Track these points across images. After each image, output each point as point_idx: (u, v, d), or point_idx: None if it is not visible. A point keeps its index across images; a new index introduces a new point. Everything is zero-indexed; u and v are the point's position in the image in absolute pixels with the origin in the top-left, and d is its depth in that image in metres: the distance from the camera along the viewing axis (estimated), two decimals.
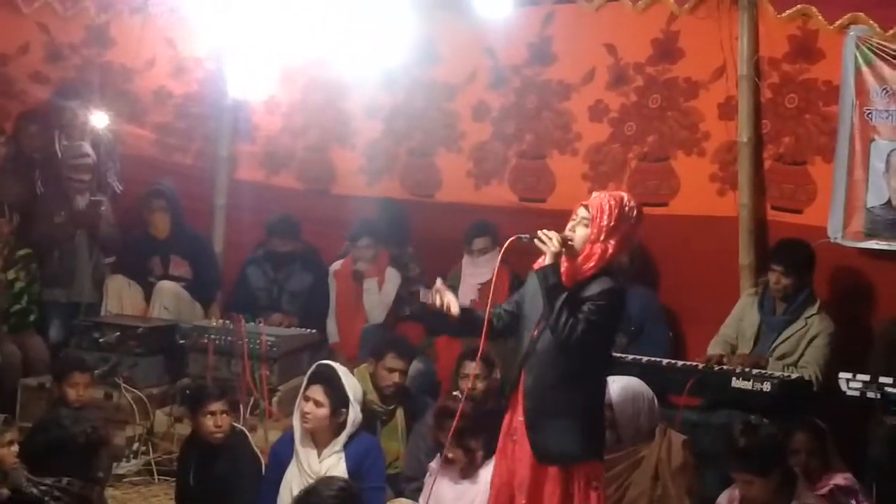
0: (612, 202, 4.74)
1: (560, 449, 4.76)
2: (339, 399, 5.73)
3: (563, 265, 4.73)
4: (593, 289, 4.72)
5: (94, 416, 5.79)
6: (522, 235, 4.79)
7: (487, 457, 5.51)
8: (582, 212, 4.79)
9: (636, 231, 4.88)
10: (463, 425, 5.36)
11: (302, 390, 5.77)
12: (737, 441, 4.95)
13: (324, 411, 5.68)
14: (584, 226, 4.76)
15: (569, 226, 4.81)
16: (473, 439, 5.68)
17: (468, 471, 5.74)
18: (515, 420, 4.88)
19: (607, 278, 4.75)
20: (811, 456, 5.51)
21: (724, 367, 6.39)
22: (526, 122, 7.87)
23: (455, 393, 6.14)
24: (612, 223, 4.71)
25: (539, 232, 4.73)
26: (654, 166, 7.45)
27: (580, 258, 4.74)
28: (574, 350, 4.67)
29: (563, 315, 4.63)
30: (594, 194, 4.87)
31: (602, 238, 4.72)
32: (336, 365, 5.93)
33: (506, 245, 4.85)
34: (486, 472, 5.38)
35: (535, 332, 4.82)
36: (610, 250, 4.72)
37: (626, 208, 4.76)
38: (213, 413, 5.92)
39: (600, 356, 4.89)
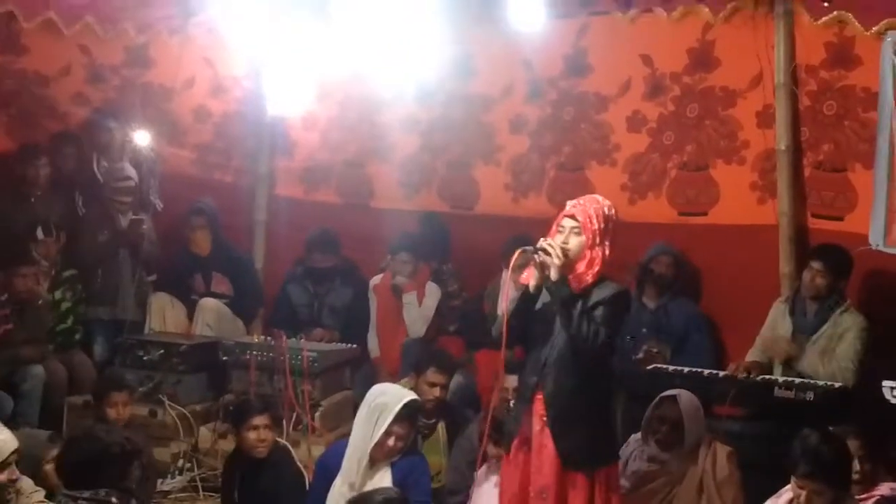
0: (596, 206, 4.97)
1: (588, 454, 4.90)
2: (413, 431, 5.84)
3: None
4: (601, 294, 4.90)
5: (130, 430, 5.92)
6: (527, 248, 4.89)
7: None
8: (569, 222, 4.95)
9: (616, 228, 5.00)
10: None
11: (387, 425, 5.67)
12: (815, 450, 4.90)
13: (401, 444, 5.72)
14: (577, 234, 4.91)
15: (558, 238, 4.90)
16: None
17: None
18: (530, 430, 4.94)
19: (610, 283, 4.97)
20: (862, 463, 5.46)
21: (767, 376, 6.36)
22: (564, 133, 7.88)
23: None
24: (602, 226, 4.92)
25: (541, 241, 4.83)
26: (694, 175, 7.44)
27: (581, 265, 4.89)
28: (593, 355, 4.83)
29: (583, 324, 4.79)
30: (570, 203, 5.02)
31: (598, 242, 4.90)
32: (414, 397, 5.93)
33: (514, 258, 4.93)
34: None
35: (548, 345, 4.90)
36: (607, 252, 4.92)
37: (606, 209, 4.98)
38: (256, 427, 5.99)
39: (609, 359, 5.06)
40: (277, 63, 8.22)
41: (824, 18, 6.74)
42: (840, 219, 6.92)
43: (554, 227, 4.98)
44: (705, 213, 7.39)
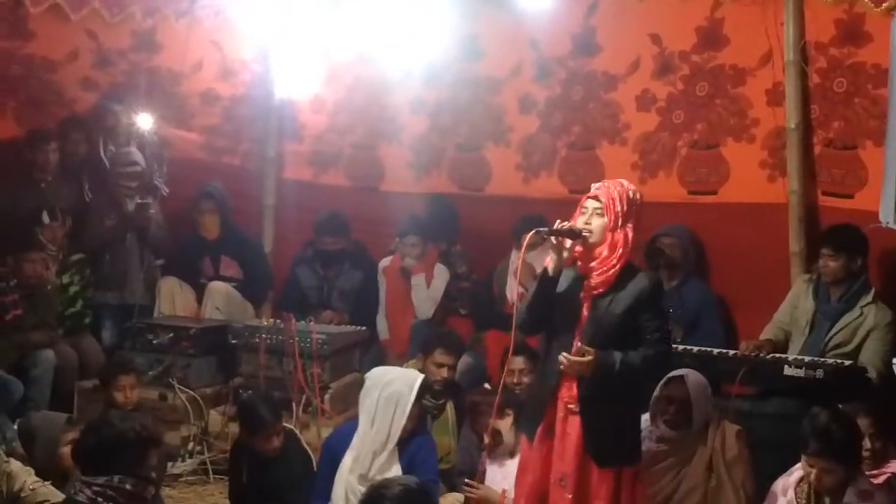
0: (620, 188, 4.91)
1: (619, 454, 4.90)
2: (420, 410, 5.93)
3: (579, 251, 4.88)
4: (635, 290, 4.84)
5: (144, 415, 5.90)
6: (542, 229, 4.86)
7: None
8: (592, 203, 4.90)
9: (641, 213, 4.96)
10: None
11: (408, 413, 5.70)
12: (825, 429, 4.88)
13: (411, 425, 5.72)
14: (599, 215, 4.86)
15: (580, 219, 4.88)
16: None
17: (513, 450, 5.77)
18: (554, 416, 4.92)
19: (642, 275, 4.92)
20: (872, 441, 5.43)
21: (777, 355, 6.32)
22: (573, 113, 7.85)
23: (486, 386, 6.20)
24: (625, 208, 4.86)
25: (557, 224, 4.80)
26: (704, 154, 7.41)
27: (604, 248, 4.84)
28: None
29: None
30: (594, 185, 4.98)
31: (620, 224, 4.85)
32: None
33: (526, 240, 4.90)
34: None
35: (578, 342, 4.85)
36: (630, 234, 4.86)
37: (631, 192, 4.93)
38: None
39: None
40: (285, 46, 8.25)
41: None
42: (850, 196, 6.86)
43: (577, 210, 4.94)
44: (715, 192, 7.35)
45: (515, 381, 6.13)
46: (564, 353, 4.75)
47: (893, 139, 6.50)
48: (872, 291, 6.41)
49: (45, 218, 7.50)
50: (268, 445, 5.87)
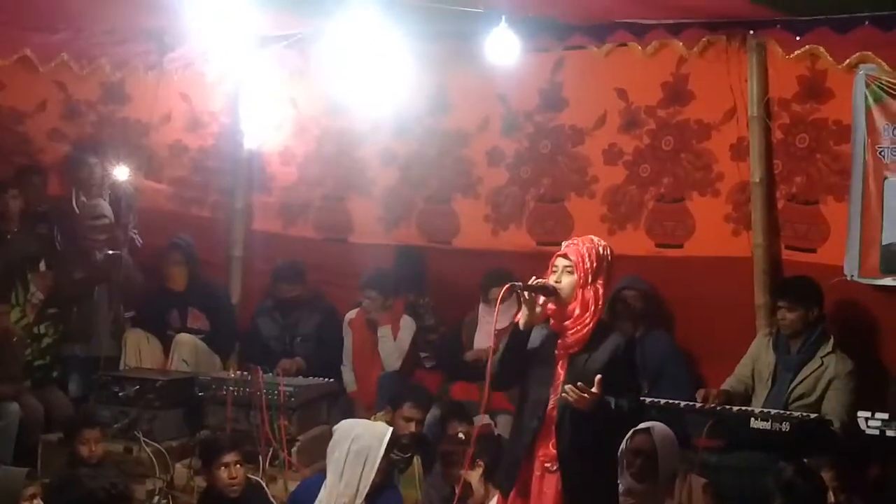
0: (589, 245, 4.96)
1: None
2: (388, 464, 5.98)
3: (552, 308, 4.91)
4: (610, 348, 4.89)
5: (114, 472, 5.85)
6: (517, 284, 4.89)
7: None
8: (562, 261, 4.94)
9: (612, 270, 5.02)
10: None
11: (377, 467, 5.75)
12: (790, 483, 4.93)
13: (379, 479, 5.79)
14: (569, 273, 4.90)
15: (551, 277, 4.92)
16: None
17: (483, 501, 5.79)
18: (529, 474, 4.92)
19: (616, 334, 4.96)
20: (836, 494, 5.47)
21: (743, 408, 6.36)
22: (541, 166, 7.89)
23: (460, 434, 6.24)
24: (595, 265, 4.90)
25: (532, 280, 4.85)
26: (671, 207, 7.47)
27: (576, 306, 4.87)
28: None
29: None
30: (564, 243, 5.04)
31: (590, 281, 4.87)
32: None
33: (501, 294, 4.91)
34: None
35: (554, 396, 4.87)
36: (601, 291, 4.89)
37: (601, 248, 4.97)
38: (226, 465, 5.95)
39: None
40: (254, 98, 8.29)
41: (796, 52, 6.78)
42: (813, 251, 6.95)
43: (549, 268, 4.98)
44: (681, 246, 7.40)
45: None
46: (570, 386, 4.75)
47: (856, 194, 6.64)
48: (832, 341, 6.49)
49: (43, 266, 7.46)
50: (229, 479, 5.87)
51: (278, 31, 8.01)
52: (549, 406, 4.89)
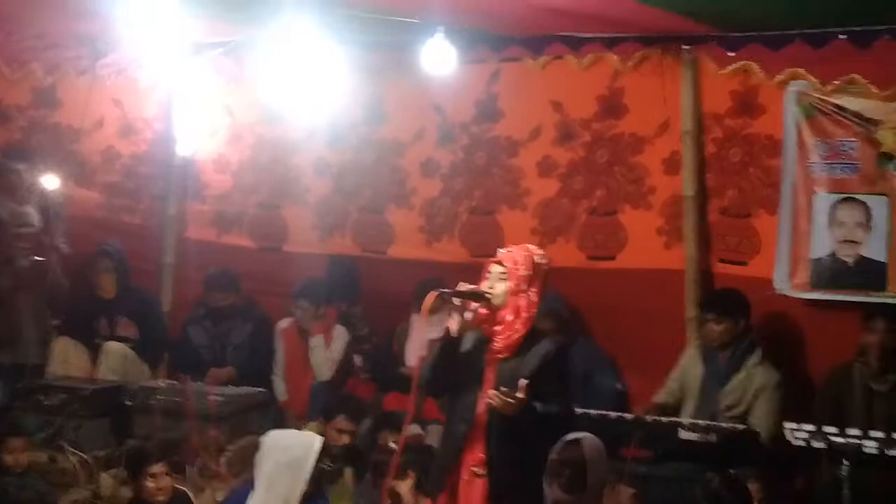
0: (524, 253, 5.01)
1: None
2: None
3: (483, 314, 4.93)
4: (540, 355, 4.90)
5: (40, 483, 5.77)
6: (445, 291, 4.89)
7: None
8: (496, 268, 4.98)
9: (548, 280, 5.05)
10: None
11: (308, 478, 5.68)
12: (716, 494, 4.96)
13: (310, 490, 5.68)
14: (503, 279, 4.91)
15: (485, 284, 4.93)
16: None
17: None
18: (457, 479, 4.93)
19: (546, 340, 4.97)
20: None
21: (672, 419, 6.40)
22: (475, 178, 7.89)
23: (391, 445, 6.21)
24: (529, 271, 4.92)
25: (459, 285, 4.85)
26: (603, 220, 7.49)
27: (508, 313, 4.87)
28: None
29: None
30: (500, 251, 5.06)
31: (524, 288, 4.89)
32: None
33: (427, 301, 4.91)
34: None
35: (483, 401, 4.87)
36: (533, 298, 4.91)
37: (536, 257, 5.01)
38: (154, 475, 5.89)
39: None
40: (187, 105, 8.22)
41: (729, 67, 6.85)
42: (744, 263, 7.01)
43: (483, 276, 5.00)
44: (613, 258, 7.44)
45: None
46: (493, 391, 4.75)
47: (786, 208, 6.73)
48: (759, 352, 6.55)
49: None
50: (156, 489, 5.82)
51: (213, 38, 7.97)
52: (478, 410, 4.90)
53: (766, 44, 6.70)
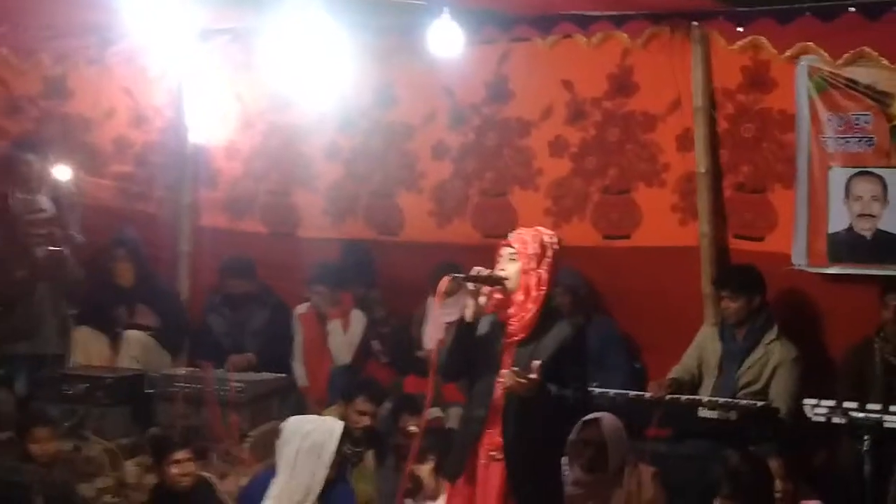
0: (534, 233, 5.02)
1: (544, 502, 4.96)
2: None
3: (498, 298, 4.94)
4: (558, 338, 4.90)
5: (66, 472, 5.83)
6: (458, 276, 4.90)
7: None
8: (507, 250, 4.99)
9: (559, 259, 5.04)
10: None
11: (330, 463, 5.76)
12: (736, 471, 4.99)
13: (332, 474, 5.79)
14: (513, 261, 4.93)
15: (497, 267, 4.93)
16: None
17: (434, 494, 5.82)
18: (475, 462, 4.94)
19: (564, 322, 4.97)
20: (784, 482, 5.54)
21: (691, 397, 6.42)
22: (486, 159, 7.88)
23: (412, 428, 6.22)
24: (538, 250, 4.93)
25: (473, 269, 4.85)
26: (617, 199, 7.49)
27: (519, 294, 4.88)
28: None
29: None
30: (510, 233, 5.07)
31: (533, 267, 4.90)
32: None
33: (440, 285, 4.92)
34: None
35: (500, 386, 4.88)
36: (544, 276, 4.91)
37: (546, 237, 5.01)
38: (178, 462, 5.95)
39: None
40: (198, 92, 8.23)
41: (739, 43, 6.83)
42: (761, 239, 7.01)
43: (496, 259, 5.00)
44: (628, 237, 7.44)
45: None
46: (506, 371, 4.77)
47: (802, 183, 6.72)
48: (776, 328, 6.57)
49: None
50: (180, 475, 5.88)
51: (222, 24, 7.97)
52: (496, 395, 4.91)
53: (775, 18, 6.67)
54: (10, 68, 8.18)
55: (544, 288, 4.92)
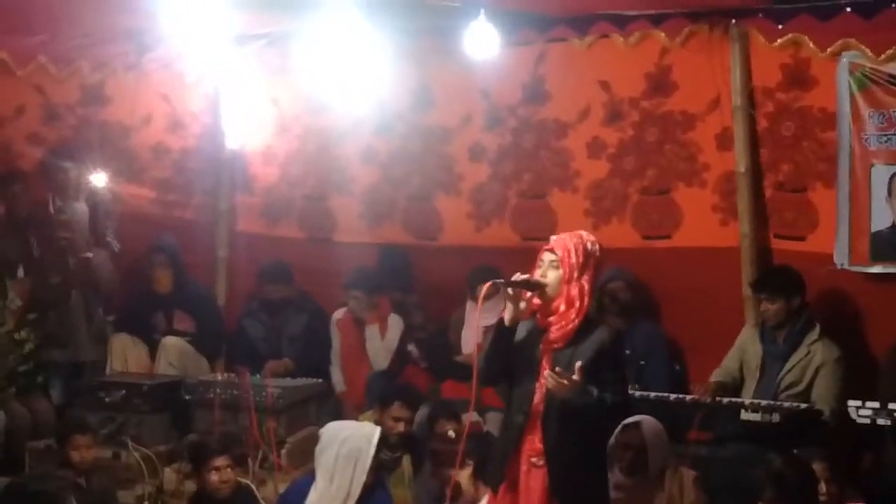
0: (576, 240, 4.90)
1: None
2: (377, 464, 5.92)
3: (537, 304, 4.86)
4: (595, 344, 4.81)
5: (106, 479, 5.85)
6: (499, 281, 4.86)
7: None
8: (548, 255, 4.89)
9: (600, 266, 4.98)
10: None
11: (368, 469, 5.75)
12: (780, 475, 4.93)
13: (370, 480, 5.77)
14: (555, 268, 4.85)
15: (537, 272, 4.87)
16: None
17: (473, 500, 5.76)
18: (517, 470, 4.88)
19: (602, 329, 4.88)
20: (828, 485, 5.45)
21: (733, 399, 6.34)
22: (524, 161, 7.85)
23: (449, 433, 6.19)
24: (581, 259, 4.84)
25: (515, 276, 4.80)
26: (656, 199, 7.44)
27: (562, 303, 4.82)
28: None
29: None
30: (553, 237, 4.98)
31: (576, 277, 4.82)
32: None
33: (482, 292, 4.84)
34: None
35: (539, 391, 4.83)
36: (587, 287, 4.83)
37: (589, 244, 4.91)
38: (217, 469, 5.94)
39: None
40: (234, 98, 8.23)
41: (779, 41, 6.75)
42: (802, 239, 6.93)
43: (536, 263, 4.94)
44: (669, 237, 7.38)
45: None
46: (550, 372, 4.71)
47: (844, 182, 6.63)
48: (818, 328, 6.49)
49: (21, 272, 7.41)
50: (219, 482, 5.87)
51: (257, 29, 7.97)
52: (535, 401, 4.86)
53: (815, 15, 6.59)
54: (49, 77, 8.20)
55: (587, 298, 4.85)
